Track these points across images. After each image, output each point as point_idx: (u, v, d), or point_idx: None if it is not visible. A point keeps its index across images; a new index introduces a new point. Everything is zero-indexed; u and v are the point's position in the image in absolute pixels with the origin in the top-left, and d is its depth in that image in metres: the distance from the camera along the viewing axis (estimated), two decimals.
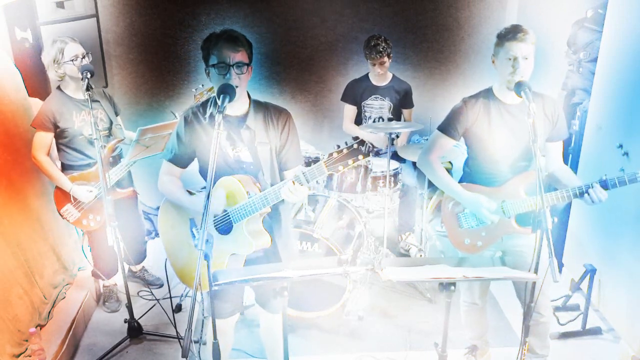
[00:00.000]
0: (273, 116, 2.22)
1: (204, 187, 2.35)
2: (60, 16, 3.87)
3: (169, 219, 2.40)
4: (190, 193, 2.30)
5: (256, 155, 2.20)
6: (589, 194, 2.18)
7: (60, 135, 3.08)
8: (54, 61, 2.98)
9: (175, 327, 2.95)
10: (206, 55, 2.08)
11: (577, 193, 2.21)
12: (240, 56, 2.05)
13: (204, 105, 2.22)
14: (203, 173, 2.32)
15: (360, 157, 1.97)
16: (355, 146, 1.97)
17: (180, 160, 2.29)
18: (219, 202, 2.16)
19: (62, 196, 3.13)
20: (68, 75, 3.02)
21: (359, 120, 4.20)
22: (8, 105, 3.16)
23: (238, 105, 2.16)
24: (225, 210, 2.20)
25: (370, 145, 2.00)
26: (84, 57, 3.01)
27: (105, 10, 4.35)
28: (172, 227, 2.39)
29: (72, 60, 2.96)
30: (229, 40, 2.04)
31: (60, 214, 3.16)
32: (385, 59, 3.91)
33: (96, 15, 4.28)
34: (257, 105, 2.23)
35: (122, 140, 3.23)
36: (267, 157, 2.20)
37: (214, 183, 2.18)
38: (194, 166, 2.34)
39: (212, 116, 2.16)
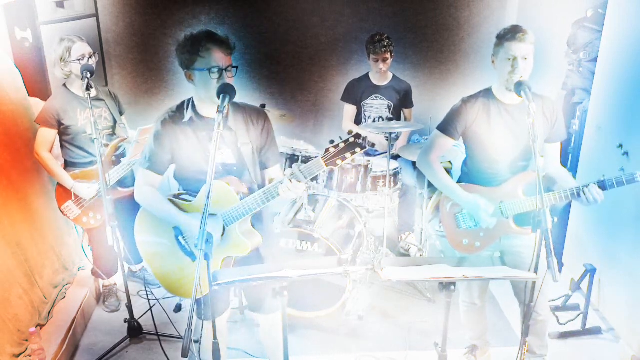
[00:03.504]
0: (252, 116, 2.24)
1: (181, 194, 2.31)
2: (60, 16, 3.88)
3: (150, 228, 2.33)
4: (173, 203, 2.25)
5: (240, 156, 2.21)
6: (584, 194, 2.18)
7: (63, 132, 3.10)
8: (61, 59, 2.98)
9: (173, 328, 2.94)
10: (192, 58, 2.05)
11: (575, 193, 2.21)
12: (230, 59, 2.08)
13: (179, 108, 2.21)
14: (179, 177, 2.29)
15: (358, 149, 1.97)
16: (352, 140, 1.96)
17: (159, 167, 2.23)
18: (217, 229, 2.14)
19: (64, 193, 3.14)
20: (74, 74, 3.02)
21: (358, 120, 4.20)
22: (8, 105, 3.16)
23: None
24: (214, 215, 2.18)
25: (368, 140, 1.99)
26: (90, 57, 3.01)
27: (105, 10, 4.35)
28: (153, 235, 2.32)
29: (79, 60, 2.97)
30: (220, 44, 2.04)
31: (61, 211, 3.17)
32: (388, 55, 3.92)
33: (96, 15, 4.29)
34: (235, 106, 2.24)
35: (126, 139, 3.23)
36: (250, 157, 2.21)
37: (200, 188, 2.17)
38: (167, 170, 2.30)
39: (191, 120, 2.16)
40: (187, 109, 2.18)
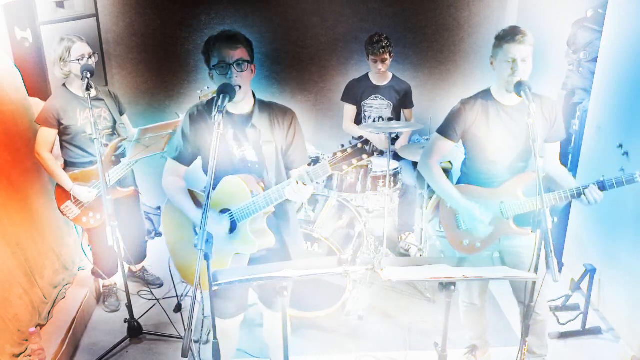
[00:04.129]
0: (279, 115, 2.22)
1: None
2: (60, 16, 3.88)
3: (174, 219, 2.39)
4: (195, 196, 2.29)
5: (261, 154, 2.20)
6: (584, 195, 2.19)
7: (63, 132, 3.10)
8: (60, 59, 2.98)
9: (173, 328, 2.94)
10: (207, 58, 2.09)
11: (575, 194, 2.22)
12: (239, 53, 2.05)
13: (209, 103, 2.22)
14: (206, 171, 2.31)
15: (365, 156, 1.98)
16: (360, 145, 1.98)
17: (186, 158, 2.28)
18: (222, 227, 2.16)
19: (63, 193, 3.14)
20: (73, 74, 3.02)
21: (359, 120, 4.20)
22: (8, 105, 3.16)
23: (243, 104, 2.16)
24: (228, 210, 2.20)
25: (375, 147, 2.01)
26: (90, 57, 3.01)
27: (105, 10, 4.35)
28: (176, 226, 2.39)
29: (79, 60, 2.97)
30: (226, 39, 2.05)
31: (61, 211, 3.17)
32: (387, 55, 3.91)
33: (96, 15, 4.29)
34: (262, 104, 2.23)
35: (126, 139, 3.23)
36: (272, 156, 2.20)
37: (218, 181, 2.19)
38: (198, 162, 2.34)
39: None
40: (215, 104, 2.18)
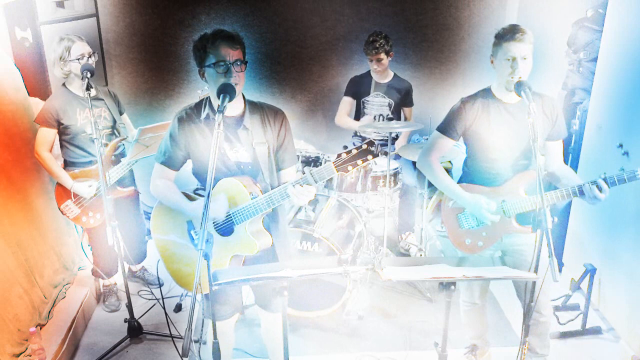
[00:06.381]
0: (269, 116, 2.23)
1: (198, 189, 2.34)
2: (60, 16, 3.88)
3: (165, 222, 2.36)
4: (187, 196, 2.28)
5: (255, 156, 2.20)
6: (587, 192, 2.18)
7: (63, 132, 3.10)
8: (60, 58, 2.98)
9: (172, 328, 2.94)
10: (202, 55, 2.07)
11: (577, 191, 2.21)
12: (238, 54, 2.07)
13: (197, 105, 2.21)
14: (197, 174, 2.30)
15: (370, 157, 1.97)
16: (364, 147, 1.97)
17: (174, 162, 2.26)
18: (221, 207, 2.13)
19: (63, 192, 3.14)
20: (73, 73, 3.02)
21: (357, 118, 4.21)
22: (8, 105, 3.16)
23: (234, 106, 2.15)
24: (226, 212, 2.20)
25: (379, 146, 2.00)
26: (90, 57, 3.01)
27: (105, 9, 4.35)
28: (168, 229, 2.36)
29: (78, 59, 2.97)
30: (226, 39, 2.05)
31: (61, 210, 3.17)
32: (383, 55, 3.91)
33: (96, 15, 4.29)
34: (252, 105, 2.23)
35: (125, 139, 3.23)
36: (266, 157, 2.20)
37: (214, 185, 2.18)
38: (186, 166, 2.32)
39: (208, 117, 2.15)
40: (205, 107, 2.18)
